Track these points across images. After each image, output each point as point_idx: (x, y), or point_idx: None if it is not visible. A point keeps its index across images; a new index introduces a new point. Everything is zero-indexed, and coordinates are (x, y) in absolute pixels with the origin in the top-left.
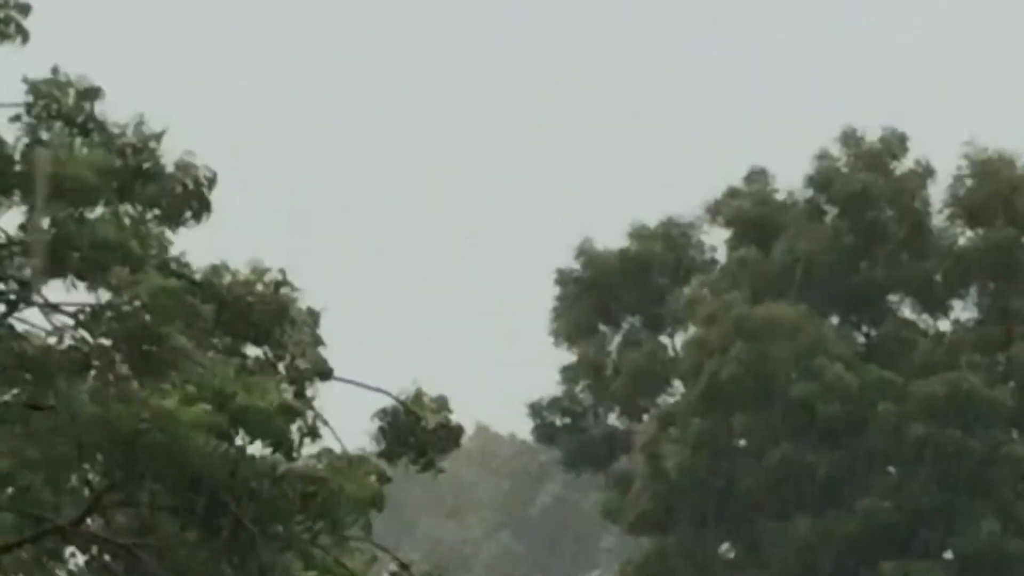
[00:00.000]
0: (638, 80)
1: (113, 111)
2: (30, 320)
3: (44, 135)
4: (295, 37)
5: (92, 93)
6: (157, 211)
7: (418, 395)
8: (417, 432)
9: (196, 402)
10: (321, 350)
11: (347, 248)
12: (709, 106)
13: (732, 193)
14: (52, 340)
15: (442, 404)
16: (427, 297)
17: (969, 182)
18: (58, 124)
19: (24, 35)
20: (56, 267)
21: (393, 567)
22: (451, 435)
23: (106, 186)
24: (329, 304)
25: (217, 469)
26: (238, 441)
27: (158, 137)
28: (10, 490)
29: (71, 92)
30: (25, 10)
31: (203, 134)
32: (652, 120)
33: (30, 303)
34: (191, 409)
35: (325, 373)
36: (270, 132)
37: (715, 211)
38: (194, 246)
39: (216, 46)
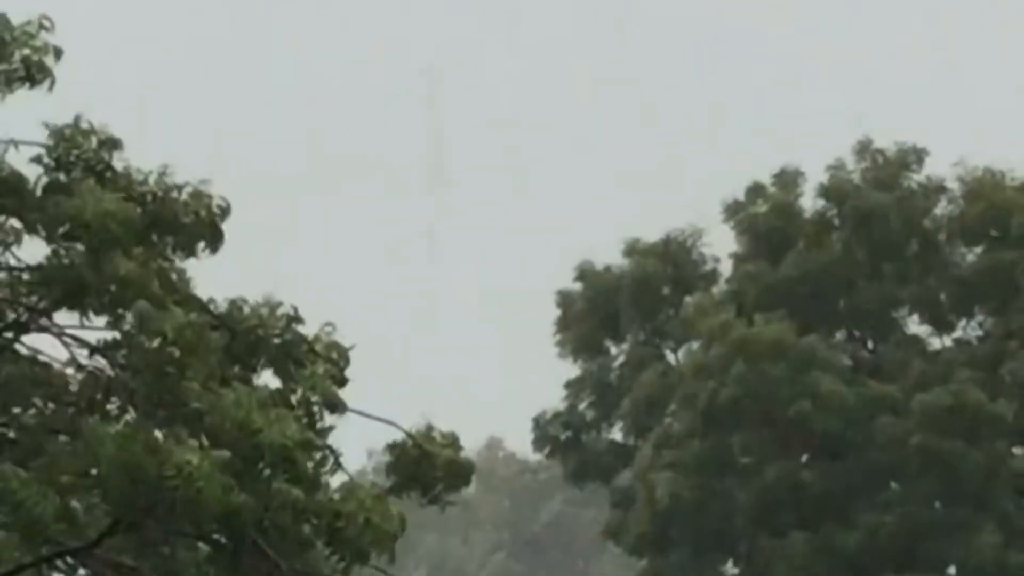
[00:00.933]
0: (646, 79)
1: (133, 156)
2: (40, 347)
3: (63, 178)
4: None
5: (113, 143)
6: (170, 240)
7: (428, 430)
8: (425, 467)
9: (219, 440)
10: (338, 386)
11: (339, 256)
12: (714, 108)
13: (754, 191)
14: (69, 369)
15: (452, 440)
16: (428, 308)
17: (962, 203)
18: (79, 170)
19: (52, 80)
20: (72, 300)
21: None
22: (460, 472)
23: (127, 235)
24: (330, 315)
25: (240, 515)
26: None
27: (180, 188)
28: (17, 513)
29: (93, 140)
30: (59, 54)
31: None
32: (664, 119)
33: (42, 329)
34: (214, 459)
35: (337, 407)
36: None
37: (734, 212)
38: (205, 271)
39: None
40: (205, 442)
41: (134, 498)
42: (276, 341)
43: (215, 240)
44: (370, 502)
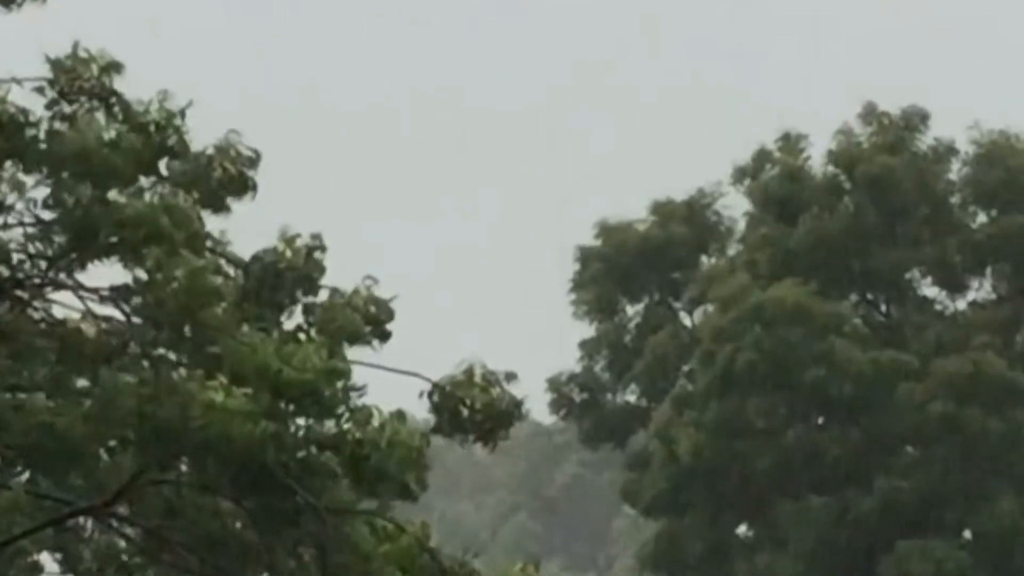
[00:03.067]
0: (663, 52)
1: (135, 85)
2: (60, 301)
3: (67, 109)
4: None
5: (113, 67)
6: (196, 195)
7: (469, 373)
8: (464, 413)
9: (240, 382)
10: (380, 340)
11: (362, 226)
12: (727, 74)
13: (761, 156)
14: (84, 324)
15: (491, 380)
16: (444, 275)
17: (977, 165)
18: (82, 99)
19: None
20: (84, 247)
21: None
22: (502, 414)
23: (132, 167)
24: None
25: (265, 448)
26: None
27: (182, 113)
28: (26, 475)
29: (93, 67)
30: None
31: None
32: (672, 88)
33: (59, 285)
34: (236, 399)
35: (362, 337)
36: (292, 114)
37: (742, 176)
38: (243, 226)
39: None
40: (226, 382)
41: (160, 447)
42: (294, 274)
43: (244, 190)
44: (388, 424)
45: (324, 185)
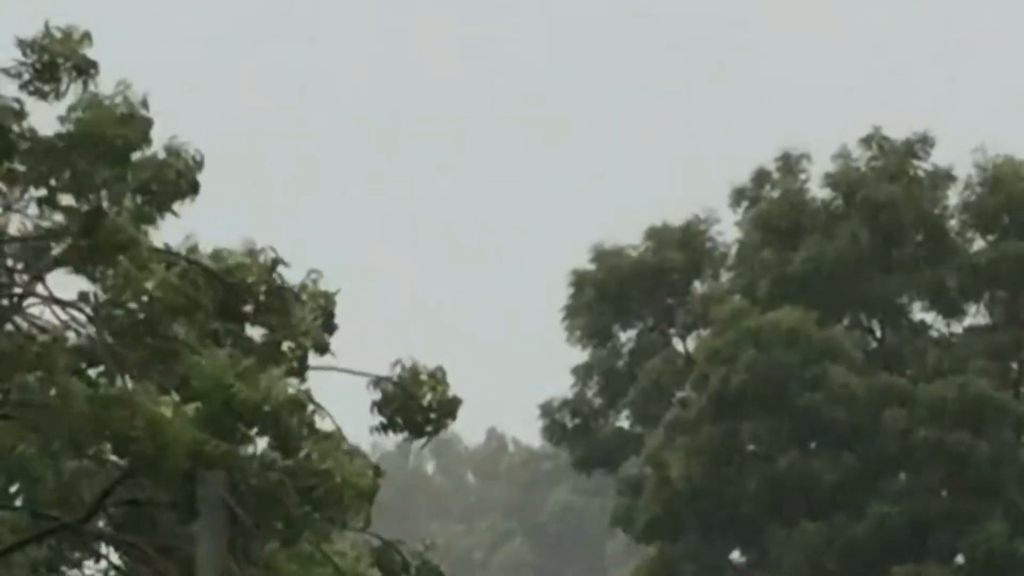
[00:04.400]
0: (655, 69)
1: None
2: (37, 313)
3: (45, 88)
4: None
5: (86, 37)
6: (149, 196)
7: (414, 370)
8: (412, 408)
9: (196, 398)
10: (327, 332)
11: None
12: (728, 95)
13: (760, 177)
14: (55, 336)
15: (438, 378)
16: (435, 299)
17: (979, 190)
18: (62, 75)
19: None
20: (63, 257)
21: (377, 544)
22: (446, 409)
23: (116, 153)
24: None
25: (212, 463)
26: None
27: (145, 103)
28: (15, 487)
29: (68, 42)
30: None
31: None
32: (669, 112)
33: (34, 296)
34: (186, 411)
35: (322, 348)
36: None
37: (740, 197)
38: (180, 226)
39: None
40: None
41: (107, 451)
42: (262, 288)
43: (190, 192)
44: (346, 460)
45: (310, 212)
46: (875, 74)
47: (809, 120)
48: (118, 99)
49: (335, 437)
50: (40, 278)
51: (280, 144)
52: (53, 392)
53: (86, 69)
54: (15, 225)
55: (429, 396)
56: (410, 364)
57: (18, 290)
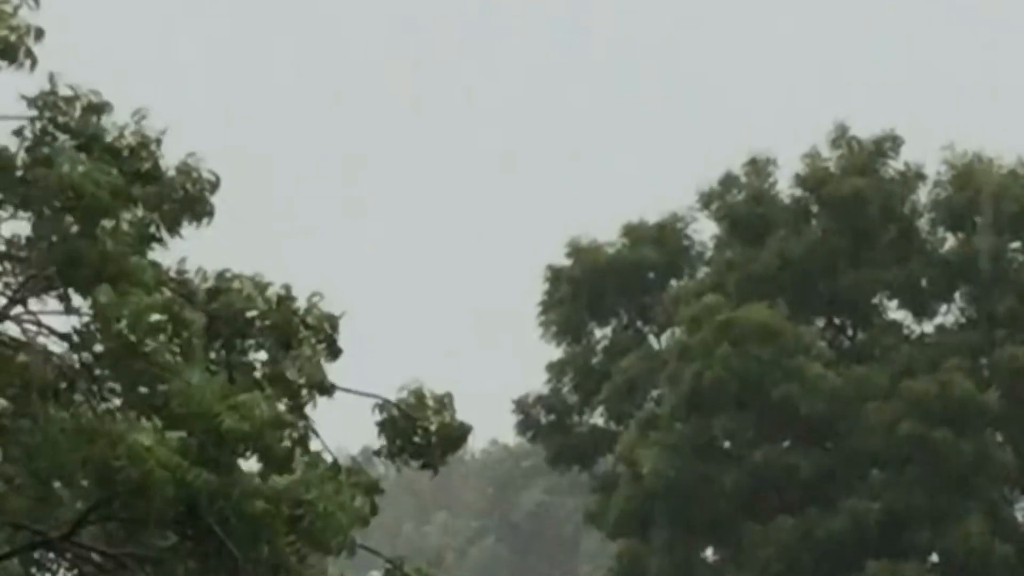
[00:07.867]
0: (631, 71)
1: (115, 106)
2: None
3: (46, 150)
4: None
5: (99, 108)
6: (157, 215)
7: (419, 395)
8: (417, 434)
9: (180, 425)
10: (330, 362)
11: (325, 244)
12: (702, 98)
13: (728, 181)
14: (35, 358)
15: (445, 403)
16: (410, 297)
17: (949, 188)
18: (64, 138)
19: (33, 60)
20: (66, 275)
21: (387, 566)
22: (453, 436)
23: (115, 200)
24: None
25: (197, 495)
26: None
27: (158, 141)
28: None
29: (77, 106)
30: (40, 35)
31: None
32: (645, 111)
33: (10, 318)
34: (169, 440)
35: (324, 388)
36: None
37: (708, 200)
38: (195, 246)
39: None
40: (164, 425)
41: (99, 488)
42: (265, 323)
43: (203, 214)
44: (334, 485)
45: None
46: (840, 77)
47: (777, 131)
48: (128, 131)
49: (325, 462)
50: (22, 300)
51: (259, 170)
52: (28, 424)
53: (90, 138)
54: None
55: (435, 422)
56: (415, 388)
57: None
